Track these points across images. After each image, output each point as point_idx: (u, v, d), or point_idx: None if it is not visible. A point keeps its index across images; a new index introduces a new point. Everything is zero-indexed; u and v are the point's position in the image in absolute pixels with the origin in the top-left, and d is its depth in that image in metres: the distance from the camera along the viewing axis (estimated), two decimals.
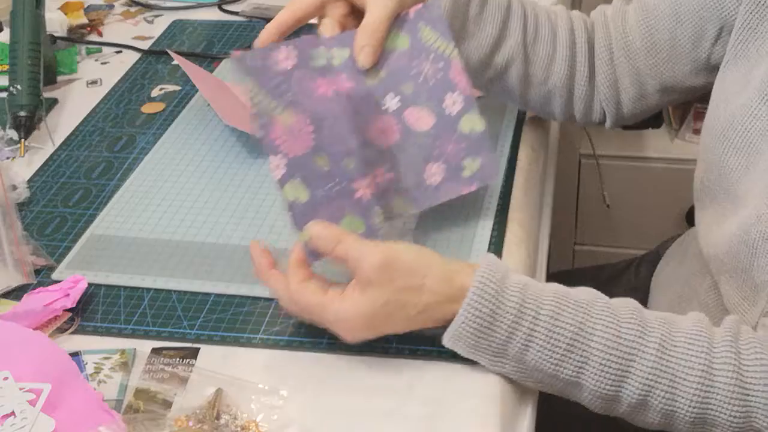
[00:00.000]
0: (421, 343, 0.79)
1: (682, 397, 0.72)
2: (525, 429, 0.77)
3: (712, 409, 0.72)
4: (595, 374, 0.73)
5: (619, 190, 1.79)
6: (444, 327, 0.75)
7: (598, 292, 0.77)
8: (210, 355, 0.80)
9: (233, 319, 0.83)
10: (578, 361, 0.73)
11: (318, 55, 0.84)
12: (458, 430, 0.72)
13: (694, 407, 0.72)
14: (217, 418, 0.73)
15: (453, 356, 0.77)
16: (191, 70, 1.15)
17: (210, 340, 0.81)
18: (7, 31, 1.19)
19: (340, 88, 0.84)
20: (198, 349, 0.80)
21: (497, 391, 0.75)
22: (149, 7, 1.44)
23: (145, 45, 1.32)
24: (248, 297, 0.85)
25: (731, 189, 0.83)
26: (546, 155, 1.12)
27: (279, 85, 0.81)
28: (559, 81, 0.97)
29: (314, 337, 0.80)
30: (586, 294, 0.75)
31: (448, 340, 0.75)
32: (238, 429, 0.72)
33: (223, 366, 0.78)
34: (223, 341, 0.81)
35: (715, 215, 0.86)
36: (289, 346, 0.80)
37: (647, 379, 0.72)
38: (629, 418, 0.76)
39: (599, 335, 0.73)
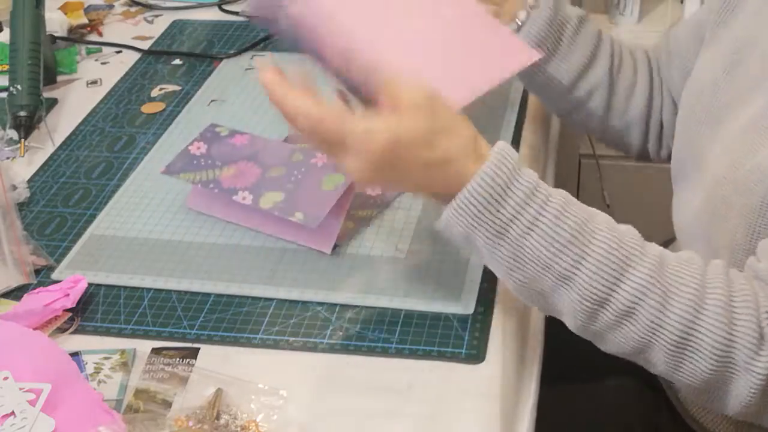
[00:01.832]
0: (421, 343, 0.79)
1: (672, 312, 0.69)
2: (525, 429, 0.77)
3: (697, 331, 0.69)
4: (591, 271, 0.70)
5: (619, 190, 1.79)
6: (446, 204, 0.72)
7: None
8: (210, 355, 0.80)
9: (233, 319, 0.83)
10: (577, 255, 0.70)
11: (220, 129, 1.00)
12: (458, 430, 0.72)
13: (680, 325, 0.69)
14: (217, 418, 0.73)
15: (453, 356, 0.77)
16: None
17: (210, 340, 0.81)
18: (7, 31, 1.19)
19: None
20: (198, 349, 0.80)
21: (497, 391, 0.75)
22: (149, 7, 1.44)
23: (145, 45, 1.32)
24: (248, 297, 0.85)
25: (698, 161, 0.84)
26: (546, 155, 1.12)
27: (204, 160, 0.96)
28: (638, 113, 0.99)
29: (314, 337, 0.80)
30: (585, 206, 0.74)
31: (453, 207, 0.71)
32: (238, 429, 0.72)
33: (223, 366, 0.78)
34: (223, 341, 0.81)
35: (685, 190, 0.87)
36: (289, 346, 0.80)
37: (641, 285, 0.70)
38: (606, 336, 0.73)
39: (602, 235, 0.71)
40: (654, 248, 0.72)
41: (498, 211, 0.70)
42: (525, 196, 0.70)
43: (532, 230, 0.70)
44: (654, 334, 0.70)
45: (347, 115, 0.70)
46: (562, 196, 0.72)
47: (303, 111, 0.71)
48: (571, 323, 0.73)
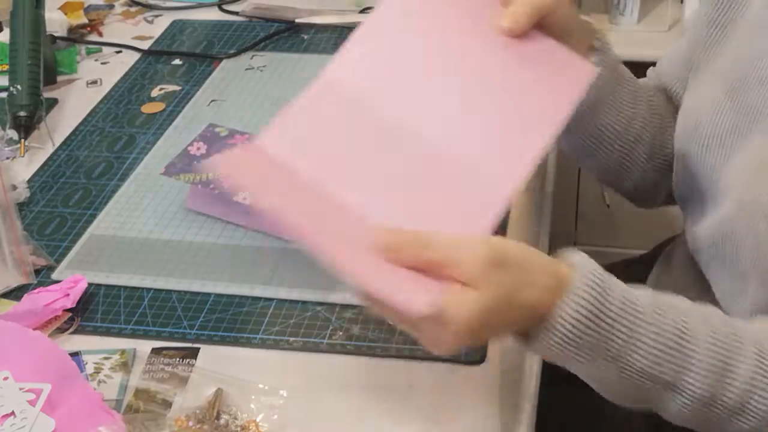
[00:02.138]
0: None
1: None
2: (525, 429, 0.77)
3: None
4: (698, 373, 0.68)
5: None
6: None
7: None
8: (210, 355, 0.80)
9: (233, 319, 0.83)
10: (681, 360, 0.68)
11: (220, 129, 1.00)
12: (458, 430, 0.72)
13: None
14: (217, 418, 0.73)
15: (453, 356, 0.77)
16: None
17: (210, 340, 0.81)
18: (7, 31, 1.19)
19: None
20: (198, 349, 0.80)
21: (497, 391, 0.75)
22: (149, 7, 1.44)
23: (145, 45, 1.32)
24: (248, 297, 0.85)
25: (710, 184, 0.83)
26: (546, 155, 1.12)
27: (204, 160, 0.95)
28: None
29: (314, 337, 0.80)
30: (669, 296, 0.72)
31: (548, 335, 0.67)
32: (238, 429, 0.72)
33: (223, 366, 0.78)
34: (223, 341, 0.81)
35: (700, 211, 0.87)
36: (289, 346, 0.80)
37: (751, 377, 0.68)
38: (720, 426, 0.71)
39: (702, 335, 0.68)
40: (746, 331, 0.70)
41: (594, 329, 0.67)
42: (619, 309, 0.67)
43: (633, 343, 0.67)
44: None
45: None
46: (651, 298, 0.69)
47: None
48: (678, 421, 0.72)
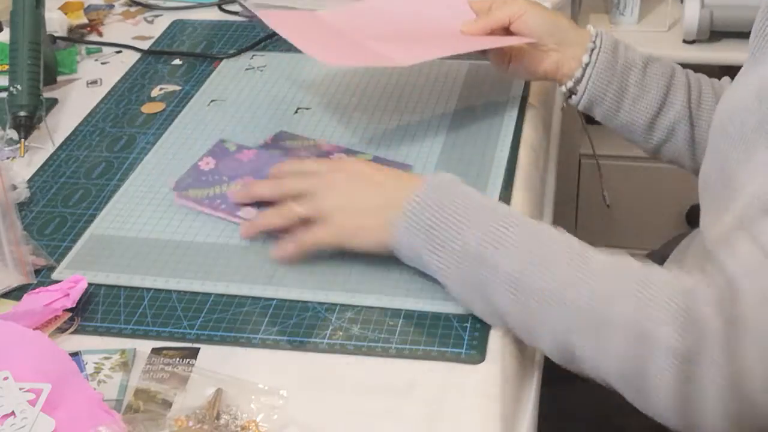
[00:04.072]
0: (421, 343, 0.79)
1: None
2: (525, 429, 0.77)
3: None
4: (513, 252, 0.75)
5: (619, 190, 1.79)
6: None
7: None
8: (210, 355, 0.80)
9: (233, 319, 0.83)
10: (500, 237, 0.76)
11: (229, 145, 1.02)
12: (458, 430, 0.72)
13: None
14: (217, 418, 0.73)
15: (453, 356, 0.77)
16: (274, 19, 1.12)
17: (210, 340, 0.81)
18: (7, 31, 1.19)
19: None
20: (198, 349, 0.80)
21: (497, 391, 0.75)
22: (149, 7, 1.44)
23: (145, 45, 1.32)
24: (248, 297, 0.85)
25: (729, 182, 0.83)
26: (546, 155, 1.12)
27: (212, 176, 0.98)
28: None
29: (314, 337, 0.80)
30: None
31: (399, 216, 0.80)
32: (238, 429, 0.72)
33: (223, 366, 0.78)
34: (223, 341, 0.81)
35: (716, 210, 0.86)
36: (289, 346, 0.80)
37: (568, 269, 0.73)
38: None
39: (533, 228, 0.78)
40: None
41: (436, 212, 0.78)
42: (464, 198, 0.79)
43: (466, 226, 0.78)
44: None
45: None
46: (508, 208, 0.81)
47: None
48: (511, 319, 0.77)
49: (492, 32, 1.03)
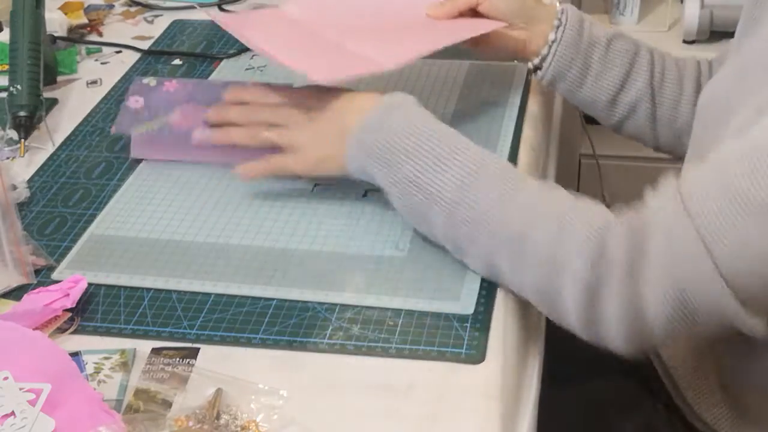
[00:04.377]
0: (421, 343, 0.79)
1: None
2: (525, 429, 0.77)
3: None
4: (450, 179, 0.81)
5: (619, 190, 1.79)
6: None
7: None
8: (210, 355, 0.80)
9: (233, 319, 0.83)
10: (440, 168, 0.82)
11: (148, 80, 1.05)
12: (458, 430, 0.72)
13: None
14: (217, 418, 0.73)
15: (453, 356, 0.77)
16: (234, 24, 1.07)
17: (210, 340, 0.81)
18: (7, 31, 1.19)
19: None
20: (198, 349, 0.80)
21: (497, 391, 0.75)
22: (149, 7, 1.44)
23: (145, 45, 1.32)
24: (248, 297, 0.85)
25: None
26: (546, 155, 1.12)
27: (147, 112, 1.02)
28: (687, 122, 1.01)
29: (314, 337, 0.80)
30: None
31: (350, 139, 0.86)
32: (238, 429, 0.72)
33: (223, 366, 0.78)
34: (223, 341, 0.81)
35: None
36: (289, 346, 0.80)
37: (499, 195, 0.79)
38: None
39: (477, 155, 0.82)
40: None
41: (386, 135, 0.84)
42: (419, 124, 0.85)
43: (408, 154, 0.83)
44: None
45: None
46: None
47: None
48: (442, 237, 0.84)
49: (461, 15, 1.04)
